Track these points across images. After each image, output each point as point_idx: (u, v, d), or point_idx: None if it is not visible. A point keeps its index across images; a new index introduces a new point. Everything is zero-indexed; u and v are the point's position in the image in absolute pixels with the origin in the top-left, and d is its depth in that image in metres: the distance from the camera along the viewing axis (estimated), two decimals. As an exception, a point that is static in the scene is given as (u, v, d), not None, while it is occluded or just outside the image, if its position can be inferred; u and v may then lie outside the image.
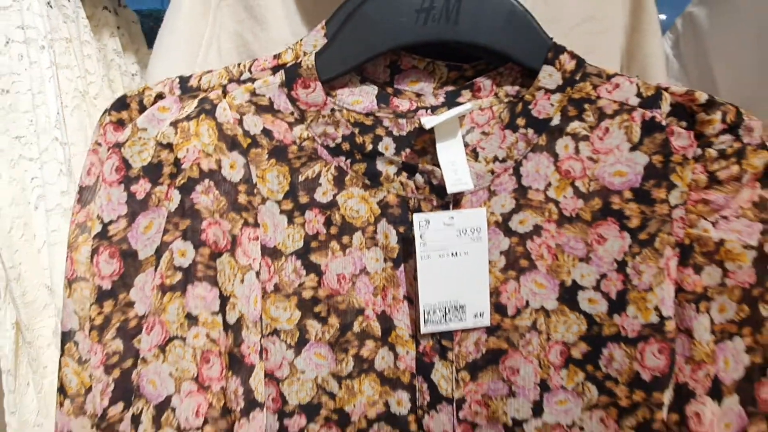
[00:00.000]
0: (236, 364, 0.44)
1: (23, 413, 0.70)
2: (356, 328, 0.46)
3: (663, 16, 0.63)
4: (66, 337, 0.47)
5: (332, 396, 0.47)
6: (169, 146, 0.44)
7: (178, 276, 0.44)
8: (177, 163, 0.44)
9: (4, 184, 0.64)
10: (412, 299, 0.46)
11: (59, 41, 0.72)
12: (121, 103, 0.46)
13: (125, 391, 0.46)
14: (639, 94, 0.43)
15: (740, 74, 0.54)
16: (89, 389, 0.47)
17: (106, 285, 0.45)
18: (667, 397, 0.43)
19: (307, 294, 0.46)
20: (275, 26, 0.62)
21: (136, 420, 0.45)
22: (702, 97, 0.42)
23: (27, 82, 0.65)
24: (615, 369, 0.44)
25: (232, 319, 0.44)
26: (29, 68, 0.65)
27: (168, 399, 0.44)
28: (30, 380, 0.71)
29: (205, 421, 0.45)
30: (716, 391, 0.43)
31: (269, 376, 0.46)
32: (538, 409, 0.46)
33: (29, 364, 0.70)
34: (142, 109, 0.45)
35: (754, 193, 0.43)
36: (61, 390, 0.48)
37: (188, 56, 0.61)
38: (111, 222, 0.45)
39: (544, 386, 0.46)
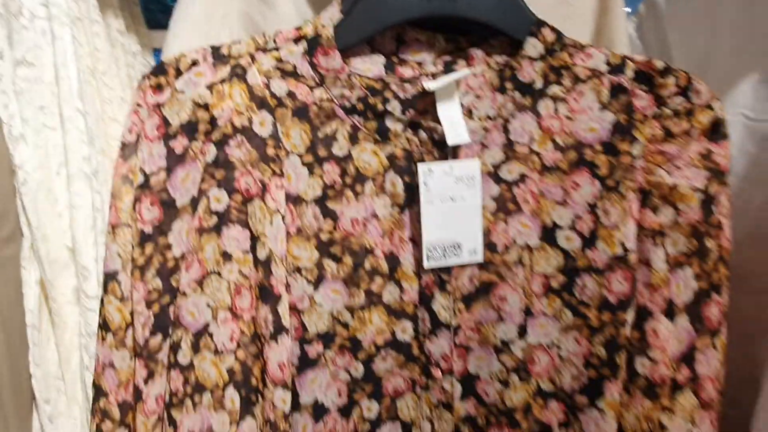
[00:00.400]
0: (266, 294, 0.51)
1: (46, 365, 0.75)
2: (367, 266, 0.54)
3: (628, 10, 0.71)
4: (109, 277, 0.53)
5: (346, 326, 0.54)
6: (206, 106, 0.50)
7: (214, 219, 0.51)
8: (213, 121, 0.50)
9: (30, 150, 0.69)
10: (415, 240, 0.54)
11: (73, 19, 0.76)
12: (159, 69, 0.51)
13: (163, 324, 0.52)
14: (608, 63, 0.52)
15: (692, 51, 0.63)
16: (129, 324, 0.53)
17: (148, 229, 0.51)
18: (629, 316, 0.52)
19: (324, 236, 0.53)
20: (282, 5, 0.69)
21: (175, 347, 0.52)
22: (659, 64, 0.50)
23: (50, 56, 0.70)
24: (587, 295, 0.53)
25: (262, 255, 0.50)
26: (52, 43, 0.70)
27: (206, 326, 0.51)
28: (51, 335, 0.76)
29: (238, 346, 0.52)
30: (670, 312, 0.52)
31: (292, 308, 0.53)
32: (522, 332, 0.54)
33: (51, 320, 0.75)
34: (178, 74, 0.51)
35: (701, 146, 0.51)
36: (104, 326, 0.54)
37: (203, 36, 0.67)
38: (152, 174, 0.51)
39: (528, 312, 0.54)
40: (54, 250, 0.73)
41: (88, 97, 0.77)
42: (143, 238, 0.51)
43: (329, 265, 0.53)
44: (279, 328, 0.51)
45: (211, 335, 0.51)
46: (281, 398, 0.51)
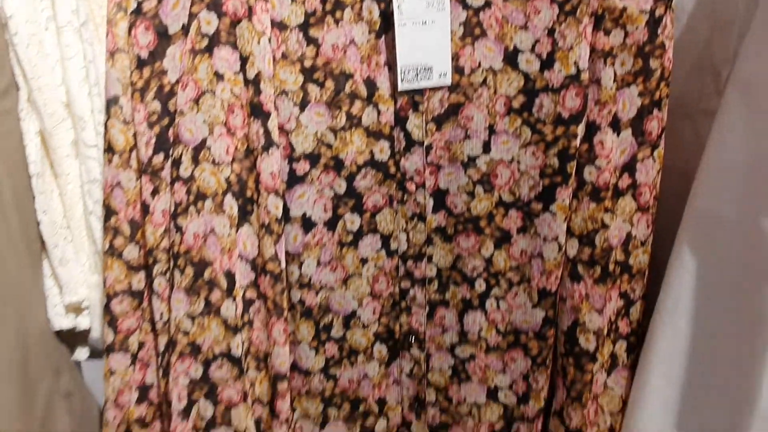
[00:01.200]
0: (256, 110, 0.56)
1: (52, 213, 0.80)
2: (347, 89, 0.59)
3: None
4: (111, 102, 0.58)
5: (329, 146, 0.60)
6: (191, -69, 0.53)
7: (206, 41, 0.55)
8: (199, -55, 0.53)
9: (18, 2, 0.71)
10: (391, 65, 0.59)
11: None
12: None
13: (164, 145, 0.58)
14: None
15: None
16: (133, 147, 0.58)
17: (144, 54, 0.56)
18: (580, 129, 0.58)
19: (308, 62, 0.58)
20: None
21: (176, 162, 0.58)
22: None
23: None
24: (543, 113, 0.59)
25: (251, 74, 0.56)
26: None
27: (204, 141, 0.57)
28: (54, 186, 0.81)
29: (233, 160, 0.58)
30: (615, 126, 0.58)
31: (280, 128, 0.59)
32: (487, 148, 0.61)
33: (53, 171, 0.80)
34: None
35: (650, -28, 0.56)
36: (109, 149, 0.59)
37: None
38: (144, 0, 0.55)
39: (491, 130, 0.60)
40: (50, 104, 0.77)
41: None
42: (140, 63, 0.56)
43: (313, 89, 0.59)
44: (270, 142, 0.57)
45: (208, 148, 0.57)
46: (274, 204, 0.58)
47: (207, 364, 0.60)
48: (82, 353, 0.85)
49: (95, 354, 0.81)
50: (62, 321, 0.79)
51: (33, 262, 0.79)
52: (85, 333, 0.81)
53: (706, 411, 0.57)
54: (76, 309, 0.81)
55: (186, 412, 0.60)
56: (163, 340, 0.61)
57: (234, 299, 0.59)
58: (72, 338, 0.82)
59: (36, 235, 0.79)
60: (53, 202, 0.82)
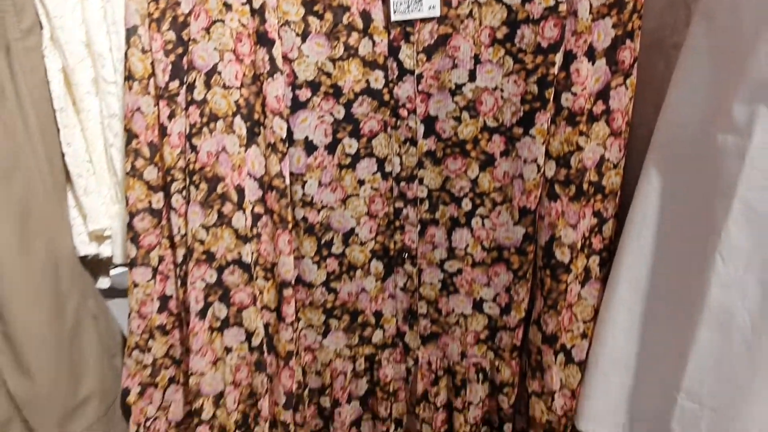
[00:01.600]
0: (262, 39, 0.62)
1: (75, 147, 0.87)
2: (345, 21, 0.64)
3: None
4: (130, 32, 0.64)
5: (329, 75, 0.66)
6: None
7: (215, -26, 0.61)
8: None
9: (36, -57, 0.76)
10: (384, -1, 0.64)
11: None
12: None
13: (179, 73, 0.64)
14: None
15: None
16: (151, 75, 0.64)
17: (160, -14, 0.61)
18: (558, 58, 0.64)
19: (308, -6, 0.63)
20: None
21: (190, 87, 0.64)
22: None
23: None
24: (525, 43, 0.64)
25: (257, 5, 0.61)
26: None
27: (215, 66, 0.63)
28: (76, 121, 0.87)
29: (242, 85, 0.64)
30: (591, 55, 0.63)
31: (284, 57, 0.65)
32: (472, 77, 0.66)
33: (75, 107, 0.86)
34: None
35: None
36: (129, 77, 0.65)
37: None
38: (158, -66, 0.60)
39: (477, 59, 0.65)
40: (71, 42, 0.83)
41: None
42: (156, -6, 0.61)
43: (313, 21, 0.64)
44: (274, 68, 0.63)
45: (219, 73, 0.63)
46: (279, 125, 0.64)
47: (220, 270, 0.68)
48: (104, 282, 0.93)
49: (116, 293, 0.89)
50: (87, 248, 0.86)
51: (58, 191, 0.85)
52: (108, 263, 0.88)
53: (664, 313, 0.64)
54: (99, 237, 0.88)
55: (203, 313, 0.68)
56: (180, 253, 0.68)
57: (244, 212, 0.66)
58: (96, 267, 0.90)
59: (60, 166, 0.85)
60: (76, 135, 0.89)
